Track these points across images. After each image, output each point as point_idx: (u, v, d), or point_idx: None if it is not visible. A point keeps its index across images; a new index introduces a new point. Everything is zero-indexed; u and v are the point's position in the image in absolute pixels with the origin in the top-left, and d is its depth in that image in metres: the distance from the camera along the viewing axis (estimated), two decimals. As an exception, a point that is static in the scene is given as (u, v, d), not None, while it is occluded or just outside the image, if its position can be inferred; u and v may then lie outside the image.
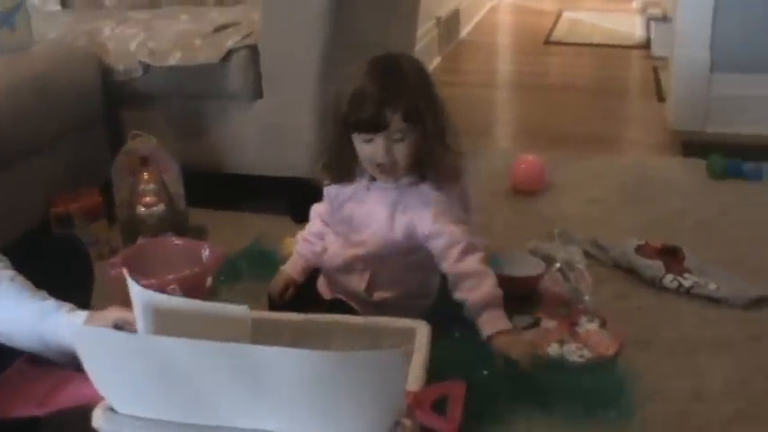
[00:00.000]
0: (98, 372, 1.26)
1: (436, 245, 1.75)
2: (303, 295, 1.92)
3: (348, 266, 1.84)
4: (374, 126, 1.70)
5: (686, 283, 2.11)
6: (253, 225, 2.38)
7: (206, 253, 2.10)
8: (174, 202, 2.40)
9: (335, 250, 1.87)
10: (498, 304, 1.71)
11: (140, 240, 2.30)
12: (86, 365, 1.25)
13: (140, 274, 1.74)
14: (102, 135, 2.66)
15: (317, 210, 1.97)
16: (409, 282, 1.86)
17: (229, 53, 2.47)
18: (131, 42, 2.62)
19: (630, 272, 2.21)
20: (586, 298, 2.02)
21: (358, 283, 1.83)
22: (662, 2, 4.84)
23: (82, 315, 1.44)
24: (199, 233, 2.45)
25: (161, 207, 2.35)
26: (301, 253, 1.95)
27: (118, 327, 1.42)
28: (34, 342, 1.43)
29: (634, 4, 5.62)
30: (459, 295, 1.73)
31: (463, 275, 1.73)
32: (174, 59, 2.54)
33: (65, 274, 1.73)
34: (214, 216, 2.51)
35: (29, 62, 2.44)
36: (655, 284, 2.14)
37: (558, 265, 2.09)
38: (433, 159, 1.75)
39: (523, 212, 2.62)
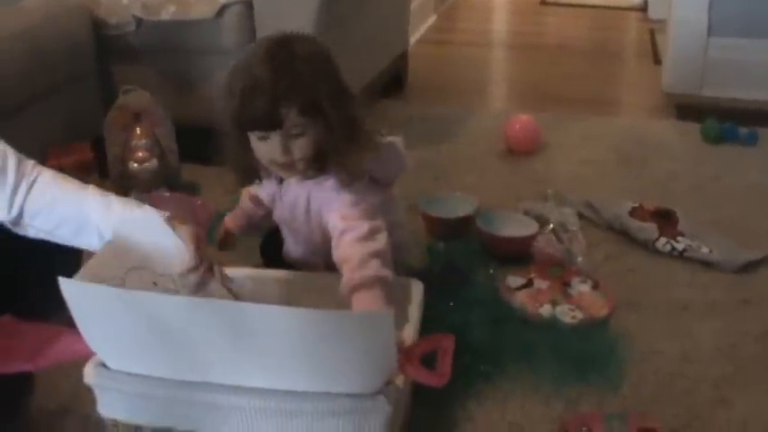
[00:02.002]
0: (90, 327, 1.25)
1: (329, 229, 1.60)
2: (270, 262, 1.87)
3: (306, 264, 1.77)
4: (268, 124, 1.51)
5: (679, 247, 2.11)
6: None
7: (198, 205, 2.10)
8: (166, 157, 2.39)
9: (289, 245, 1.82)
10: (368, 286, 1.44)
11: (132, 196, 2.29)
12: (77, 321, 1.24)
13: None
14: (94, 89, 2.64)
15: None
16: None
17: (223, 8, 2.46)
18: (124, -5, 2.60)
19: (624, 234, 2.21)
20: (579, 259, 2.02)
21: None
22: (660, -37, 4.82)
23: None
24: (191, 189, 2.44)
25: (153, 162, 2.34)
26: (244, 208, 1.87)
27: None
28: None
29: (632, -34, 5.58)
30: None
31: (339, 262, 1.52)
32: (168, 14, 2.52)
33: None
34: (206, 171, 2.48)
35: (20, 15, 2.42)
36: (648, 247, 2.15)
37: (551, 225, 2.08)
38: (337, 156, 1.56)
39: (517, 173, 2.61)
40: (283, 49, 1.52)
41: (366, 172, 1.61)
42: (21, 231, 1.44)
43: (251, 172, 1.66)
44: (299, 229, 1.72)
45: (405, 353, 1.28)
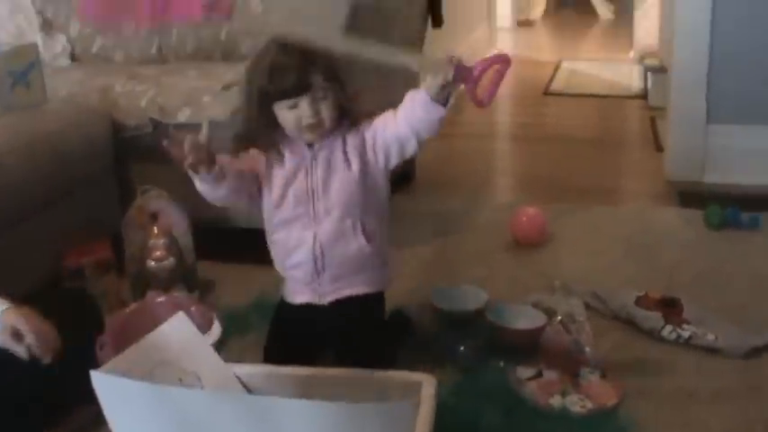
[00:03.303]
0: (119, 419, 1.30)
1: (375, 134, 1.89)
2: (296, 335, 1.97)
3: (341, 231, 1.90)
4: (299, 89, 1.80)
5: (685, 334, 2.15)
6: (258, 278, 2.41)
7: (193, 310, 2.04)
8: (183, 255, 2.45)
9: (300, 241, 1.92)
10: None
11: (149, 294, 2.34)
12: (106, 412, 1.30)
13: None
14: (112, 189, 2.71)
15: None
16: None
17: (237, 109, 2.53)
18: (142, 99, 2.68)
19: (630, 323, 2.24)
20: (587, 349, 2.05)
21: (356, 237, 1.91)
22: (659, 53, 4.92)
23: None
24: (207, 286, 2.50)
25: (171, 261, 2.39)
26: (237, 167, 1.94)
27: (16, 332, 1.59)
28: None
29: (631, 55, 5.69)
30: (405, 125, 1.84)
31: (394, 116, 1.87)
32: (184, 116, 2.60)
33: (76, 326, 1.79)
34: (222, 269, 2.55)
35: (42, 120, 2.51)
36: (654, 335, 2.18)
37: (559, 317, 2.11)
38: (349, 110, 1.87)
39: (525, 265, 2.65)
40: (294, 37, 1.84)
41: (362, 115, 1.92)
42: None
43: (272, 144, 1.90)
44: (334, 184, 1.89)
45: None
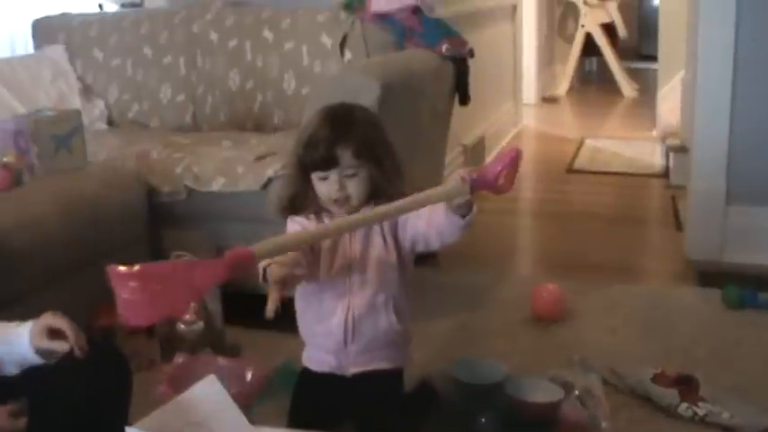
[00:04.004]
0: None
1: (407, 221, 1.89)
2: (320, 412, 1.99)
3: (373, 306, 1.92)
4: (327, 163, 1.84)
5: (701, 412, 2.17)
6: (284, 345, 2.47)
7: (249, 374, 2.14)
8: (211, 319, 2.51)
9: (333, 310, 1.94)
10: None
11: (178, 356, 2.40)
12: None
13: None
14: (144, 252, 2.78)
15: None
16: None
17: (269, 181, 2.62)
18: (177, 166, 2.78)
19: (646, 399, 2.27)
20: (604, 425, 2.08)
21: (387, 314, 1.93)
22: (680, 132, 4.97)
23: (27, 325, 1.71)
24: (234, 350, 2.55)
25: (200, 324, 2.45)
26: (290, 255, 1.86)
27: (52, 330, 1.68)
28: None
29: (654, 133, 5.74)
30: (430, 227, 1.86)
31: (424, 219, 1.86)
32: (217, 185, 2.69)
33: (106, 384, 1.84)
34: (249, 334, 2.60)
35: (82, 183, 2.60)
36: (670, 412, 2.20)
37: (576, 392, 2.15)
38: (384, 194, 1.85)
39: (543, 340, 2.69)
40: (340, 109, 1.93)
41: None
42: None
43: (304, 209, 1.94)
44: (371, 258, 1.91)
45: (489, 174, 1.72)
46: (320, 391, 2.01)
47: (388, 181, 1.88)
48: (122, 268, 1.51)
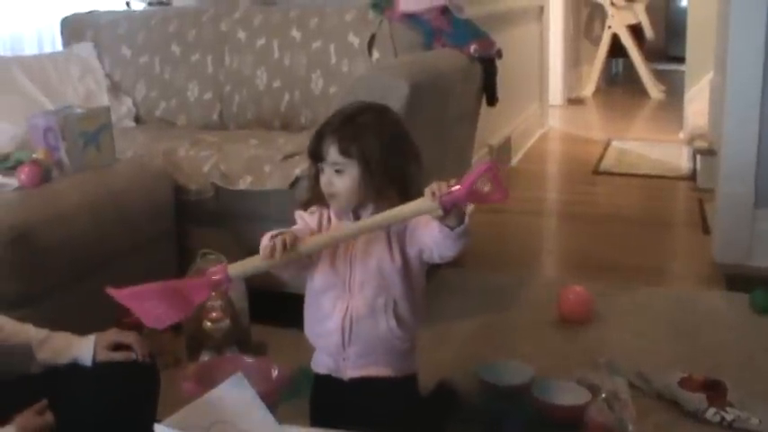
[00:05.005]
0: None
1: (416, 228, 1.83)
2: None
3: (372, 308, 1.88)
4: (312, 154, 1.86)
5: (728, 417, 2.16)
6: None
7: (275, 372, 2.14)
8: (238, 317, 2.52)
9: (331, 310, 1.91)
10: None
11: (204, 354, 2.41)
12: None
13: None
14: (172, 250, 2.81)
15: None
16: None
17: (296, 180, 2.62)
18: (205, 164, 2.79)
19: (674, 404, 2.26)
20: (630, 428, 2.07)
21: (386, 318, 1.89)
22: (708, 135, 4.94)
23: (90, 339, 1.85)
24: (260, 349, 2.56)
25: (226, 322, 2.47)
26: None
27: (117, 346, 1.82)
28: None
29: (681, 136, 5.71)
30: (431, 239, 1.78)
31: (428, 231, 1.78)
32: (245, 184, 2.70)
33: (134, 382, 1.86)
34: (275, 333, 2.62)
35: (109, 180, 2.62)
36: (697, 417, 2.20)
37: (603, 395, 2.14)
38: (376, 200, 1.83)
39: (570, 342, 2.69)
40: (352, 106, 1.90)
41: None
42: None
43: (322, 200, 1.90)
44: (372, 258, 1.87)
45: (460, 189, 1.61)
46: (324, 393, 2.01)
47: (373, 186, 1.82)
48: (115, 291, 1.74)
